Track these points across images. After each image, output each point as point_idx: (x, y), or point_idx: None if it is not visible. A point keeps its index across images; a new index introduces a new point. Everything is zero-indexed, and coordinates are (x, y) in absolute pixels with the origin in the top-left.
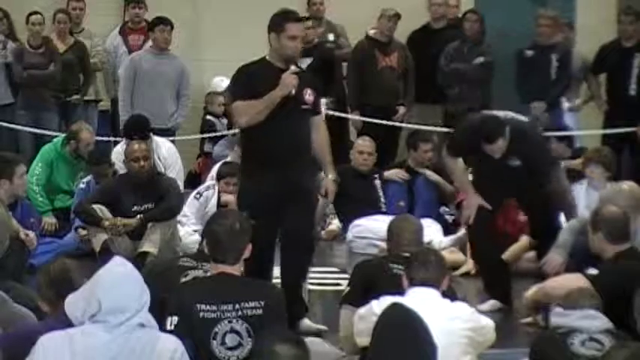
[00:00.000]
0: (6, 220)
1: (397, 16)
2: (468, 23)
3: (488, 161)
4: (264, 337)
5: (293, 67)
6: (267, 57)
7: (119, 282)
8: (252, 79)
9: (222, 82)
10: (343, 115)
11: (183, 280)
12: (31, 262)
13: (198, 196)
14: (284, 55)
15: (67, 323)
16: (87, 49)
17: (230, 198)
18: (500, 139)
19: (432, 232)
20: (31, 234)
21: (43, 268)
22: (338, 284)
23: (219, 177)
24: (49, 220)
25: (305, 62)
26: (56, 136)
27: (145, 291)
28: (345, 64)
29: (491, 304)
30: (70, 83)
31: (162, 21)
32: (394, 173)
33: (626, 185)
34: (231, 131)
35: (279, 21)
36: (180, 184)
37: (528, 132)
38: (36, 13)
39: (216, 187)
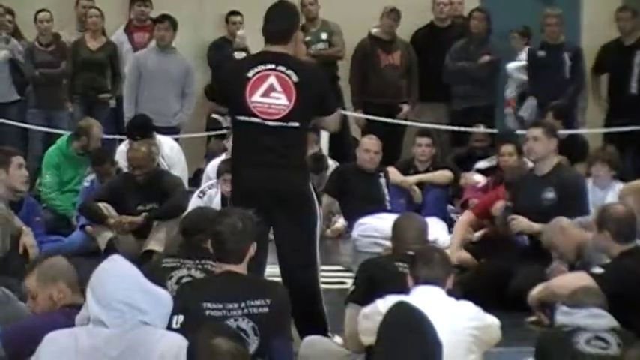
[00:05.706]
0: (6, 217)
1: (396, 12)
2: (474, 21)
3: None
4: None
5: None
6: None
7: (103, 279)
8: None
9: None
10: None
11: (169, 282)
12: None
13: (201, 194)
14: None
15: (66, 317)
16: (118, 50)
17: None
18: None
19: (437, 230)
20: (32, 240)
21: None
22: (343, 282)
23: (218, 174)
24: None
25: None
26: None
27: (140, 288)
28: (339, 63)
29: None
30: (99, 83)
31: (165, 18)
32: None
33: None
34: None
35: None
36: (184, 182)
37: None
38: (44, 10)
39: (220, 186)
